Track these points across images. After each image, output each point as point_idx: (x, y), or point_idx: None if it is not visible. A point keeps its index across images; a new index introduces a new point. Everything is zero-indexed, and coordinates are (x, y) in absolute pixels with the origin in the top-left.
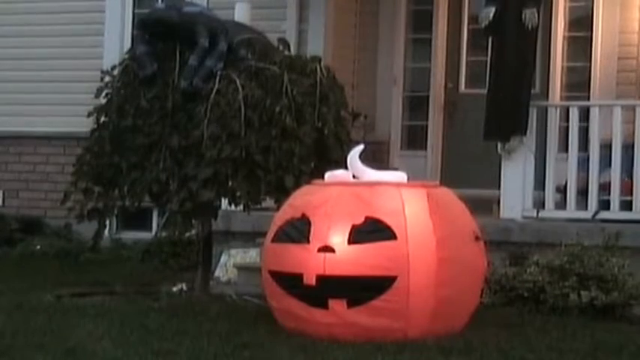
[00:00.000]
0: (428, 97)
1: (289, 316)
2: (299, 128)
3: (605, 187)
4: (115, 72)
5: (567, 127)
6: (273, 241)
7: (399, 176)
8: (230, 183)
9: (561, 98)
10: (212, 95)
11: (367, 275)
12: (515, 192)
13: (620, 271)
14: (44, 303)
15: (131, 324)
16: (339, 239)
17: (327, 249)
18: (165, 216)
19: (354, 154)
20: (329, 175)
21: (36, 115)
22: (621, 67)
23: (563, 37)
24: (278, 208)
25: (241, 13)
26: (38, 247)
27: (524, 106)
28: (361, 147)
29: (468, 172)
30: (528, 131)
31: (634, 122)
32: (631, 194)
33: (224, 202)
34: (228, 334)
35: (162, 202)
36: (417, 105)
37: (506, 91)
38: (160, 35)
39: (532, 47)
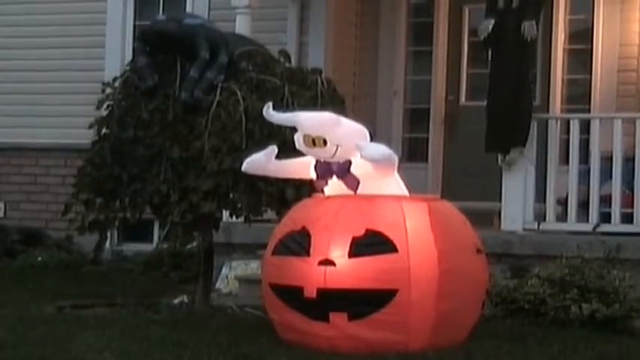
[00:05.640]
0: (428, 109)
1: (290, 328)
2: None
3: (605, 200)
4: (116, 84)
5: (568, 140)
6: (273, 253)
7: (331, 119)
8: (231, 195)
9: (562, 111)
10: (213, 107)
11: (368, 288)
12: (516, 204)
13: (621, 283)
14: (45, 314)
15: (132, 336)
16: (339, 252)
17: (328, 262)
18: (167, 228)
19: (267, 111)
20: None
21: (37, 126)
22: (621, 80)
23: (564, 49)
24: (279, 220)
25: (242, 26)
26: (39, 258)
27: (524, 118)
28: (270, 103)
29: (468, 184)
30: (529, 144)
31: (634, 135)
32: (632, 207)
33: (225, 214)
34: (229, 346)
35: (163, 214)
36: (417, 117)
37: (505, 103)
38: (160, 47)
39: (531, 59)
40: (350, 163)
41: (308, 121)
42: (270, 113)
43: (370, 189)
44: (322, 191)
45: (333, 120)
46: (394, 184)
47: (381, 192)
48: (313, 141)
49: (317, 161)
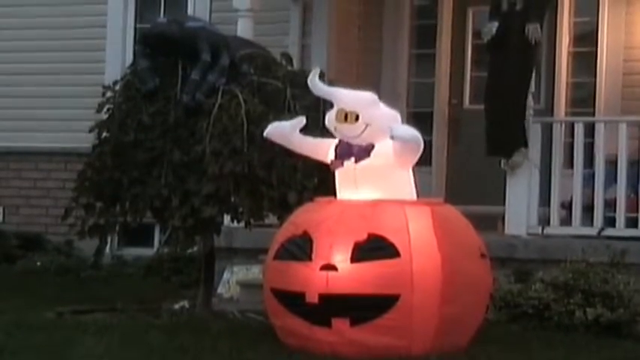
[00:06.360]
0: (432, 112)
1: (292, 334)
2: None
3: (610, 204)
4: (117, 87)
5: (572, 143)
6: (275, 258)
7: (371, 98)
8: (232, 199)
9: (566, 114)
10: (214, 110)
11: (370, 293)
12: (519, 208)
13: (626, 288)
14: (45, 320)
15: (132, 341)
16: (341, 257)
17: (330, 267)
18: (167, 232)
19: (313, 77)
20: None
21: (37, 130)
22: (626, 83)
23: (568, 52)
24: (281, 225)
25: (244, 28)
26: (39, 263)
27: (523, 121)
28: (318, 69)
29: (472, 188)
30: (533, 147)
31: (639, 138)
32: (637, 211)
33: (226, 219)
34: (230, 351)
35: (164, 218)
36: (420, 121)
37: (508, 106)
38: (161, 50)
39: (533, 62)
40: (372, 147)
41: (347, 95)
42: (315, 82)
43: (383, 180)
44: (334, 172)
45: (372, 99)
46: (407, 181)
47: (393, 187)
48: (345, 116)
49: (339, 141)
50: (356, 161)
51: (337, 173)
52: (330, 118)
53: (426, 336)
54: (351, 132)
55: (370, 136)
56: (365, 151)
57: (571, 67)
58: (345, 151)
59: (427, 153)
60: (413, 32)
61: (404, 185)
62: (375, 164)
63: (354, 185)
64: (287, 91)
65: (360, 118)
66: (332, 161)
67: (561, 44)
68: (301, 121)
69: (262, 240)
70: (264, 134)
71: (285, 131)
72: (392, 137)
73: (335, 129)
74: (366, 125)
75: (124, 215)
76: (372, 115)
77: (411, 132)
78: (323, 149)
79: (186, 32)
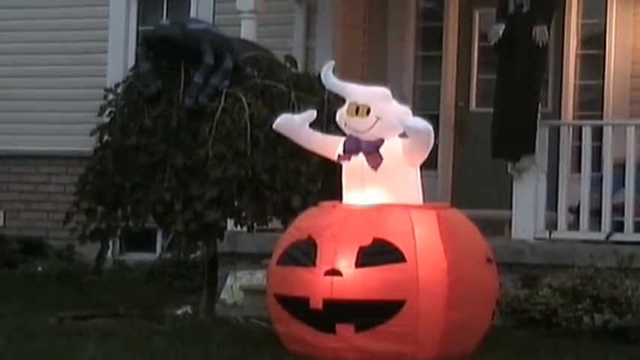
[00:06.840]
0: (438, 115)
1: (296, 340)
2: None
3: (618, 208)
4: (119, 90)
5: (580, 147)
6: (278, 263)
7: (383, 93)
8: (236, 203)
9: (574, 117)
10: (217, 114)
11: (375, 299)
12: (527, 213)
13: (634, 293)
14: (45, 326)
15: (134, 347)
16: (346, 262)
17: (334, 272)
18: (170, 237)
19: (326, 71)
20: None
21: (38, 134)
22: (634, 86)
23: (576, 54)
24: (285, 230)
25: (247, 31)
26: (39, 268)
27: (533, 125)
28: (332, 62)
29: (479, 192)
30: (540, 151)
31: None
32: None
33: (230, 223)
34: (234, 358)
35: (166, 223)
36: None
37: (515, 109)
38: (164, 53)
39: (542, 64)
40: (381, 142)
41: (359, 89)
42: (329, 75)
43: (391, 179)
44: (341, 166)
45: (385, 93)
46: (414, 181)
47: (400, 187)
48: (357, 110)
49: (348, 136)
50: (365, 155)
51: (344, 173)
52: (340, 114)
53: (432, 342)
54: (361, 126)
55: (380, 131)
56: (373, 147)
57: (579, 69)
58: (353, 146)
59: (433, 156)
60: (418, 34)
61: (411, 186)
62: (383, 163)
63: (360, 185)
64: (291, 94)
65: (372, 111)
66: (339, 155)
67: (569, 46)
68: (311, 114)
69: (266, 245)
70: (274, 126)
71: (295, 124)
72: (404, 128)
73: (345, 124)
74: (377, 119)
75: (125, 220)
76: (384, 110)
77: (424, 123)
78: (331, 146)
79: (189, 35)
